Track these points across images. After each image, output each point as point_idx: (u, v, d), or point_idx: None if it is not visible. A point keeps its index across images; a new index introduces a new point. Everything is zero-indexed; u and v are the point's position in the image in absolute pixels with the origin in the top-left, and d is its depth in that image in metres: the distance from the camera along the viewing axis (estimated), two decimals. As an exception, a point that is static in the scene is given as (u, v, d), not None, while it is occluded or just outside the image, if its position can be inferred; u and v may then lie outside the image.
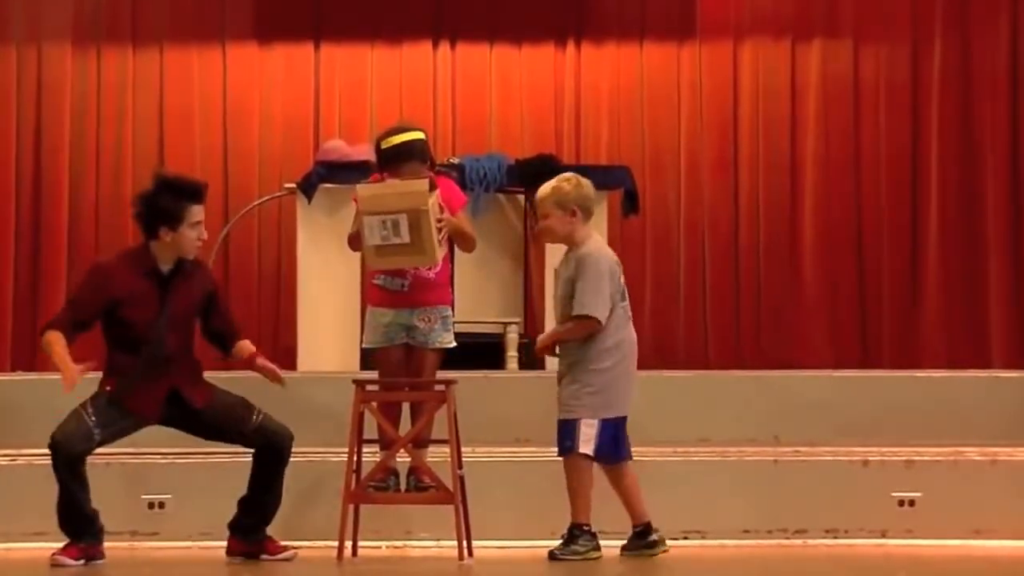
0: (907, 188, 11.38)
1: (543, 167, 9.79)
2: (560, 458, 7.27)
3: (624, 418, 7.33)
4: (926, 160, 11.35)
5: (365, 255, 7.25)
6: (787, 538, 8.18)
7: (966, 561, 7.67)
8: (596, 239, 7.32)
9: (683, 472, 8.25)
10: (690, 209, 11.45)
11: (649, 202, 11.11)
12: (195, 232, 7.15)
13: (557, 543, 7.26)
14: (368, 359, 7.81)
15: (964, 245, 11.27)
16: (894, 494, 8.25)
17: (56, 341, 7.09)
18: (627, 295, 7.34)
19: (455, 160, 10.08)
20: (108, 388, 7.19)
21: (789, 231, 11.41)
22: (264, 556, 7.29)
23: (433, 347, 7.53)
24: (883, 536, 8.20)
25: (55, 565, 7.05)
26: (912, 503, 8.24)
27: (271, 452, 7.25)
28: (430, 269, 7.44)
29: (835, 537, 8.18)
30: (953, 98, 11.35)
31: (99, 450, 7.46)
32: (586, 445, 7.16)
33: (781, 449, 8.52)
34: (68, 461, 7.01)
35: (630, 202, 9.97)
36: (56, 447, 7.02)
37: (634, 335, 7.42)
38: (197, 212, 7.14)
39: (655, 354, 11.08)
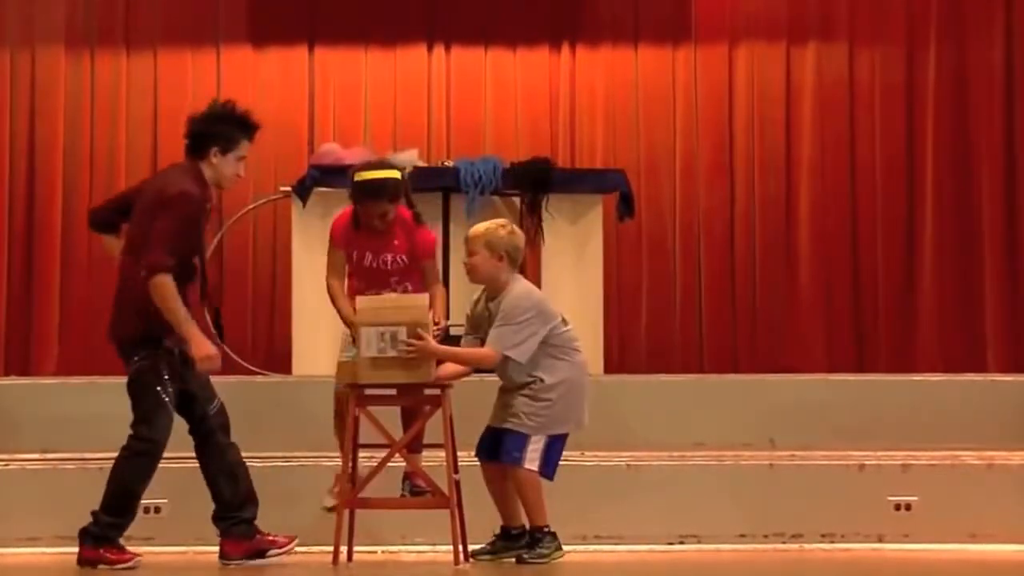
0: (902, 192, 11.38)
1: (538, 170, 9.81)
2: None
3: (567, 434, 7.34)
4: (921, 164, 11.36)
5: (359, 366, 7.20)
6: (783, 543, 8.17)
7: (962, 565, 7.66)
8: (521, 285, 7.31)
9: (678, 476, 8.25)
10: (685, 212, 11.45)
11: (644, 205, 11.10)
12: (238, 166, 7.18)
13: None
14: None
15: (959, 249, 11.28)
16: (890, 498, 8.26)
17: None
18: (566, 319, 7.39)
19: (449, 163, 10.07)
20: (168, 344, 6.99)
21: (784, 234, 11.41)
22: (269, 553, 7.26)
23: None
24: (879, 540, 8.20)
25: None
26: (908, 507, 8.24)
27: (215, 443, 7.22)
28: (405, 288, 7.51)
29: (831, 541, 8.18)
30: (948, 102, 11.36)
31: (94, 455, 7.47)
32: (532, 462, 7.22)
33: (777, 453, 8.52)
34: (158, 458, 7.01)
35: (625, 205, 9.96)
36: (156, 449, 6.99)
37: (583, 355, 7.47)
38: (246, 147, 7.19)
39: (650, 358, 11.10)
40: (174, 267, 6.89)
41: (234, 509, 7.23)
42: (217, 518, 7.23)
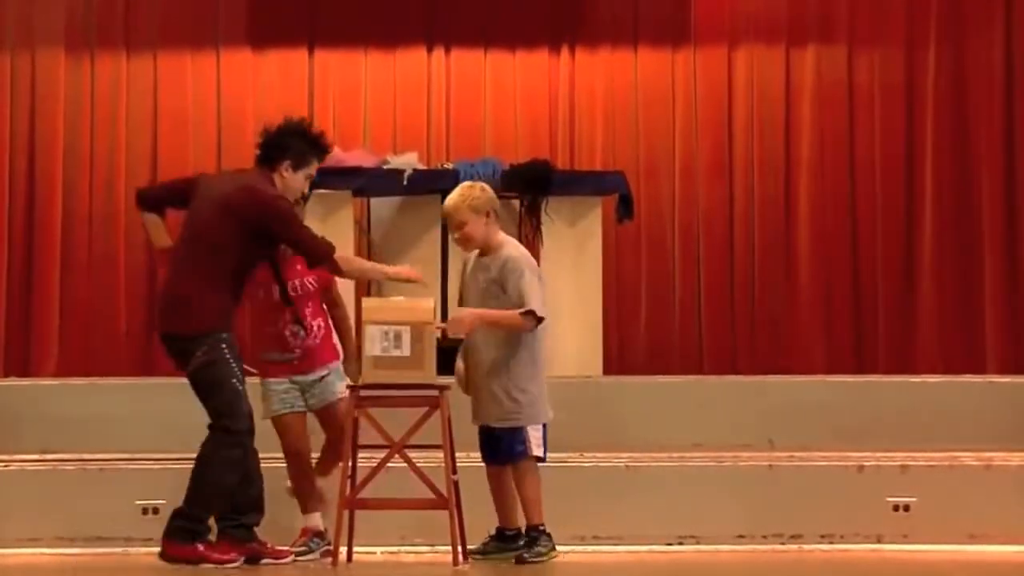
0: (902, 193, 11.38)
1: (537, 172, 9.82)
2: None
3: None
4: (921, 164, 11.36)
5: (363, 366, 7.25)
6: (782, 543, 8.19)
7: (961, 566, 7.68)
8: (513, 242, 7.48)
9: (678, 477, 8.26)
10: (685, 214, 11.45)
11: (644, 207, 11.10)
12: (305, 184, 7.39)
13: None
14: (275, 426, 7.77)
15: (959, 250, 11.28)
16: (889, 499, 8.27)
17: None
18: None
19: (449, 165, 10.09)
20: (227, 333, 7.13)
21: (784, 236, 11.41)
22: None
23: (337, 398, 7.63)
24: (878, 541, 8.21)
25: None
26: (907, 508, 8.26)
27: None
28: (315, 336, 7.57)
29: (830, 542, 8.19)
30: (948, 102, 11.36)
31: (92, 455, 7.47)
32: (538, 448, 7.32)
33: (776, 454, 8.53)
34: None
35: (625, 207, 9.97)
36: (247, 439, 7.09)
37: None
38: (315, 167, 7.40)
39: (650, 359, 11.09)
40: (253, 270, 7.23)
41: (240, 512, 7.25)
42: (218, 517, 7.24)
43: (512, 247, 7.40)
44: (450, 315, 7.36)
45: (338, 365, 7.70)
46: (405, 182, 9.67)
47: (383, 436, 7.29)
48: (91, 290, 10.99)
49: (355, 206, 9.96)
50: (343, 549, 7.29)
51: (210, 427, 7.11)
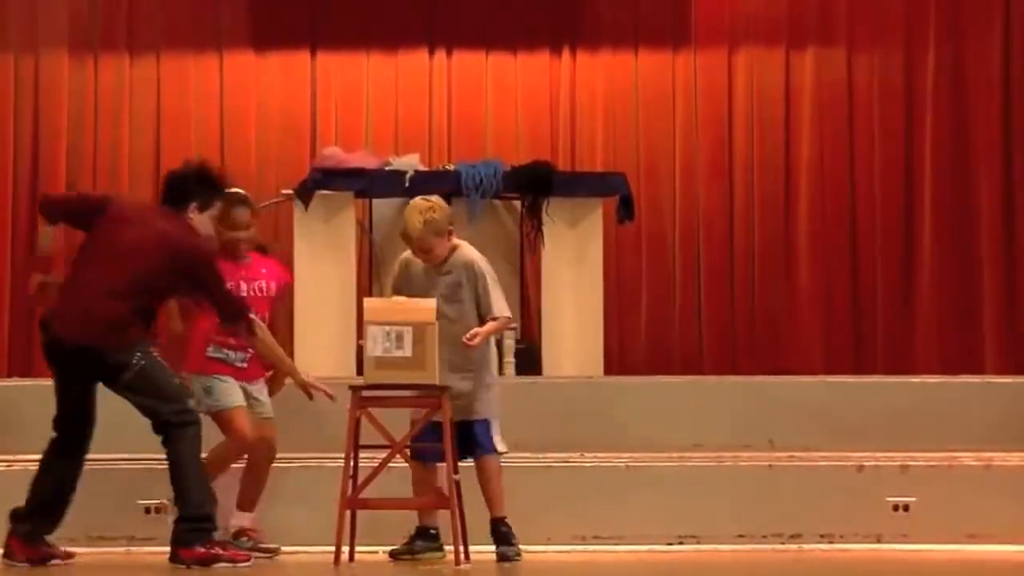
0: (900, 194, 11.40)
1: (539, 173, 9.84)
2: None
3: None
4: (920, 166, 11.38)
5: (364, 367, 7.29)
6: (782, 543, 8.21)
7: (960, 565, 7.70)
8: (465, 244, 7.71)
9: (678, 477, 8.29)
10: (685, 215, 11.48)
11: (644, 208, 11.12)
12: (210, 225, 7.48)
13: (512, 547, 7.47)
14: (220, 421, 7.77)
15: (958, 250, 11.30)
16: (888, 499, 8.30)
17: None
18: None
19: (450, 167, 10.11)
20: (154, 347, 7.30)
21: (783, 237, 11.44)
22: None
23: (269, 415, 7.78)
24: (878, 541, 8.24)
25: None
26: (906, 508, 8.28)
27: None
28: None
29: (830, 542, 8.22)
30: (946, 104, 11.38)
31: (96, 455, 7.49)
32: (501, 443, 7.52)
33: (776, 454, 8.55)
34: None
35: (625, 208, 9.98)
36: (198, 417, 7.21)
37: None
38: (218, 207, 7.51)
39: (650, 359, 11.11)
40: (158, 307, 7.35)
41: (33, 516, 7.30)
42: (17, 518, 7.29)
43: (467, 250, 7.61)
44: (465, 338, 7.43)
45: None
46: (407, 183, 9.69)
47: (384, 436, 7.32)
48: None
49: (357, 207, 9.98)
50: (345, 549, 7.31)
51: (165, 424, 7.14)
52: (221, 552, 7.14)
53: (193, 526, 7.11)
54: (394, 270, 7.71)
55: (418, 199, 7.65)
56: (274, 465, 7.96)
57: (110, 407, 7.42)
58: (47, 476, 7.29)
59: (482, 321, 7.49)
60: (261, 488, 7.78)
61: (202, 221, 7.40)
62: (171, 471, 7.16)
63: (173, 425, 7.13)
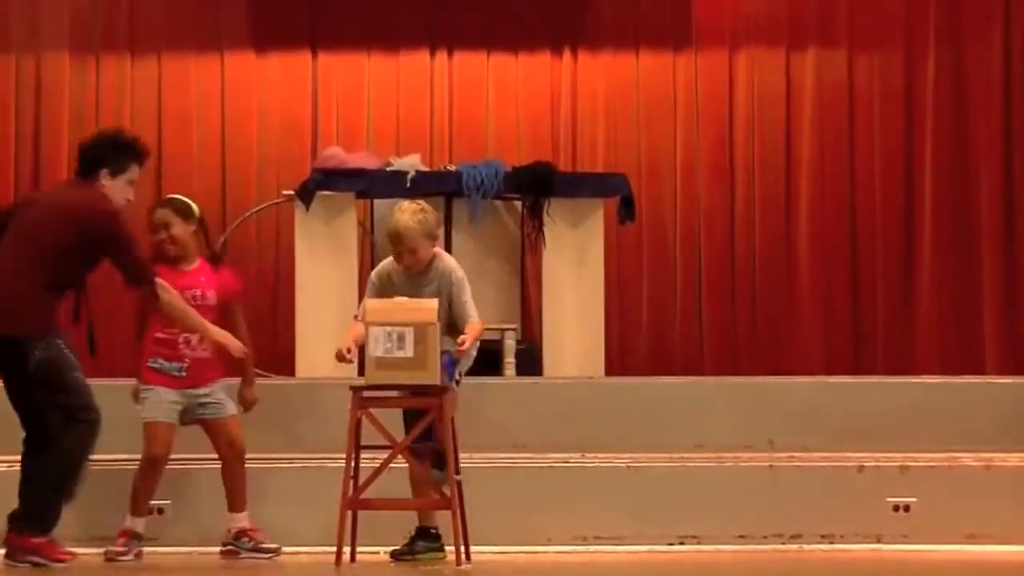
0: (901, 195, 11.42)
1: (540, 174, 9.85)
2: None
3: None
4: (920, 167, 11.40)
5: (366, 367, 7.30)
6: (782, 543, 8.22)
7: (960, 566, 7.71)
8: (444, 253, 7.81)
9: (679, 478, 8.29)
10: (686, 216, 11.49)
11: (645, 209, 11.14)
12: (128, 190, 7.37)
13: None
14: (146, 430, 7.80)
15: (958, 251, 11.32)
16: (889, 499, 8.30)
17: None
18: None
19: (452, 167, 10.12)
20: (60, 338, 7.21)
21: (784, 238, 11.45)
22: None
23: (229, 416, 7.75)
24: (878, 541, 8.24)
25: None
26: (907, 508, 8.29)
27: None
28: (207, 348, 7.64)
29: (830, 542, 8.22)
30: (947, 105, 11.39)
31: (99, 456, 7.50)
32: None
33: (776, 455, 8.56)
34: None
35: (626, 209, 9.99)
36: (99, 416, 7.17)
37: None
38: (135, 171, 7.40)
39: (651, 360, 11.13)
40: (77, 281, 7.22)
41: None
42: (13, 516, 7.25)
43: (448, 259, 7.67)
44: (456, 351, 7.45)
45: (227, 382, 7.81)
46: (408, 184, 9.70)
47: (386, 437, 7.34)
48: (94, 291, 10.99)
49: (359, 208, 9.99)
50: (346, 549, 7.33)
51: (65, 421, 7.13)
52: (47, 551, 7.12)
53: (36, 515, 7.12)
54: (372, 283, 7.64)
55: (406, 201, 7.71)
56: (275, 466, 7.98)
57: (111, 407, 7.44)
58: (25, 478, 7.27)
59: (450, 327, 7.49)
60: (240, 487, 7.74)
61: (116, 187, 7.29)
62: (59, 459, 7.13)
63: (74, 424, 7.12)
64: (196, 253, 7.84)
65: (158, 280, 7.26)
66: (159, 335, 7.67)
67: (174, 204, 7.88)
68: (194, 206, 7.87)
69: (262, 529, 7.78)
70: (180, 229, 7.76)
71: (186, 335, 7.64)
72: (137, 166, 7.39)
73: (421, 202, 7.69)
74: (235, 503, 7.76)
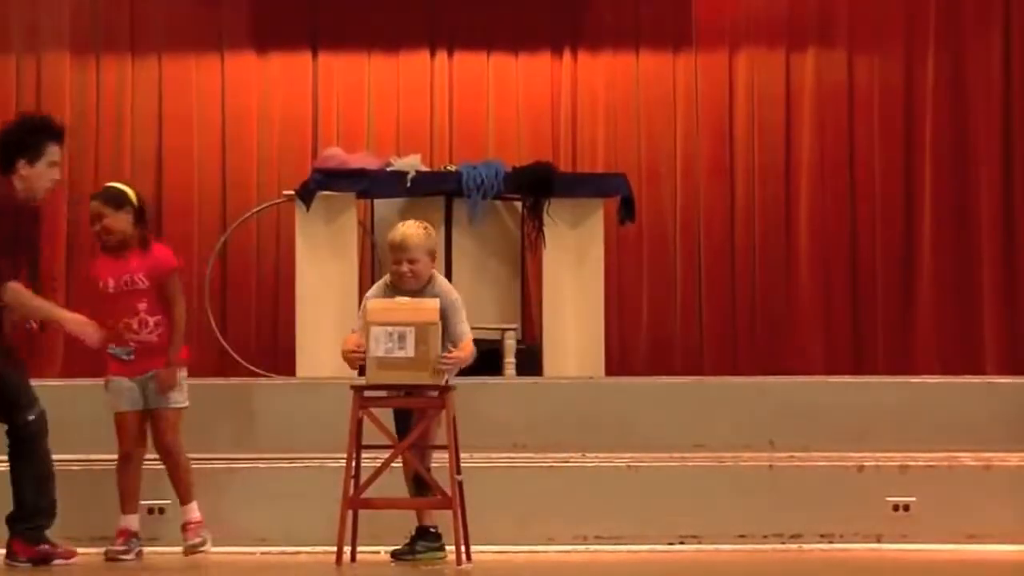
0: (901, 196, 11.42)
1: (540, 174, 9.86)
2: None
3: None
4: (920, 167, 11.40)
5: (367, 367, 7.30)
6: (782, 543, 8.23)
7: (960, 566, 7.71)
8: (440, 275, 7.75)
9: (679, 477, 8.31)
10: (686, 216, 11.49)
11: (645, 209, 11.15)
12: (51, 172, 7.27)
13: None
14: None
15: (958, 251, 11.32)
16: (889, 499, 8.32)
17: None
18: None
19: (452, 168, 10.13)
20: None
21: (784, 238, 11.46)
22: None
23: (168, 405, 7.68)
24: (878, 541, 8.26)
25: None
26: (907, 508, 8.30)
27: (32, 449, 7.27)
28: (151, 332, 7.62)
29: (830, 542, 8.24)
30: (946, 107, 11.39)
31: (99, 455, 7.51)
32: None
33: (776, 454, 8.57)
34: None
35: (626, 209, 10.01)
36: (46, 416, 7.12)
37: None
38: (56, 152, 7.28)
39: (651, 360, 11.13)
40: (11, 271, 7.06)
41: (33, 516, 7.24)
42: (12, 520, 7.24)
43: (443, 281, 7.65)
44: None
45: (183, 372, 7.73)
46: (409, 184, 9.72)
47: (387, 436, 7.35)
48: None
49: (359, 208, 10.01)
50: (347, 549, 7.34)
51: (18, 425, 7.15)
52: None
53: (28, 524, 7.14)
54: (368, 303, 7.48)
55: (410, 220, 7.70)
56: (275, 465, 7.99)
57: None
58: (14, 480, 7.26)
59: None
60: (179, 478, 7.67)
61: (36, 173, 7.19)
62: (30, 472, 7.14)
63: (23, 431, 7.13)
64: (137, 239, 7.74)
65: (11, 284, 7.10)
66: (108, 322, 7.63)
67: (106, 194, 7.79)
68: (129, 192, 7.76)
69: (200, 521, 7.68)
70: (112, 219, 7.68)
71: (127, 321, 7.58)
72: (56, 146, 7.27)
73: (421, 222, 7.68)
74: (178, 496, 7.73)
